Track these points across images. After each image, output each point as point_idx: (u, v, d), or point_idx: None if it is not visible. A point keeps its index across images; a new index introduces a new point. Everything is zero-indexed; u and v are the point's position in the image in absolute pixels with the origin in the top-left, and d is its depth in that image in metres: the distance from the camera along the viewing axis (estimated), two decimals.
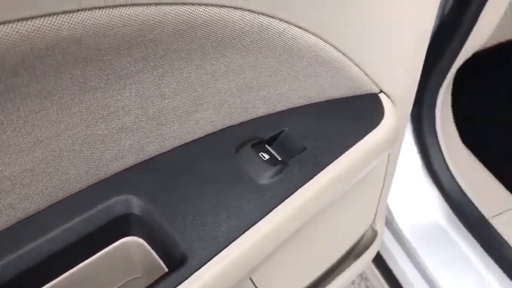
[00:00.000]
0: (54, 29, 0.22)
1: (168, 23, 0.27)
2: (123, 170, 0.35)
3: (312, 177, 0.40)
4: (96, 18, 0.23)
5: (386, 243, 0.91)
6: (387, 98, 0.48)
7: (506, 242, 0.82)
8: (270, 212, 0.37)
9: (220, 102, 0.37)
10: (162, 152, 0.37)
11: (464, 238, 0.86)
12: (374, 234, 0.71)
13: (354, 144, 0.43)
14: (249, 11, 0.31)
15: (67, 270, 0.36)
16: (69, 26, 0.23)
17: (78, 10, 0.22)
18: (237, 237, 0.35)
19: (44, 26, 0.22)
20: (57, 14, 0.22)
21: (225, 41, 0.32)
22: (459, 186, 0.86)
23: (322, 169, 0.41)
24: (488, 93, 1.11)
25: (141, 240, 0.37)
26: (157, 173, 0.36)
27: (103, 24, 0.24)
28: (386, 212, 0.86)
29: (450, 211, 0.87)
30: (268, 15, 0.32)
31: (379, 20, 0.40)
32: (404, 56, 0.47)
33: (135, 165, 0.36)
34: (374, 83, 0.46)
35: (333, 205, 0.52)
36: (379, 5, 0.37)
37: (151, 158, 0.36)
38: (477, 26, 0.74)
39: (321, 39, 0.36)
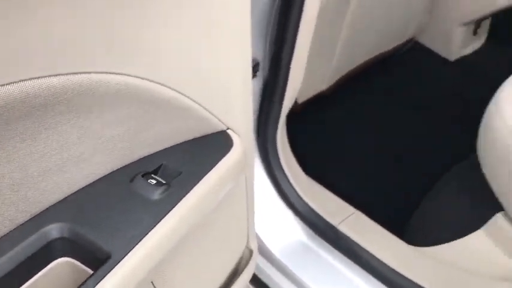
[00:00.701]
0: (5, 95, 0.36)
1: (68, 89, 0.41)
2: (49, 206, 0.46)
3: (189, 191, 0.55)
4: (26, 87, 0.37)
5: (263, 268, 1.06)
6: (233, 132, 0.66)
7: (353, 242, 1.04)
8: (162, 218, 0.51)
9: (113, 147, 0.51)
10: (76, 189, 0.49)
11: (324, 247, 1.06)
12: (250, 254, 0.86)
13: (213, 167, 0.60)
14: (118, 74, 0.46)
15: None
16: (17, 92, 0.36)
17: (19, 81, 0.36)
18: (144, 237, 0.48)
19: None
20: (6, 84, 0.35)
21: (110, 98, 0.46)
22: (309, 206, 1.06)
23: (195, 185, 0.56)
24: (310, 133, 1.38)
25: (70, 259, 0.47)
26: (75, 204, 0.48)
27: (28, 92, 0.37)
28: (257, 238, 1.02)
29: (307, 227, 1.06)
30: (132, 76, 0.47)
31: (217, 76, 0.58)
32: (236, 102, 0.66)
33: (57, 202, 0.47)
34: (222, 122, 0.64)
35: (208, 224, 0.66)
36: (212, 62, 0.55)
37: (69, 195, 0.48)
38: (289, 84, 0.99)
39: (176, 91, 0.53)
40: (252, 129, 0.72)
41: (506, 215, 0.98)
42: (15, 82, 0.36)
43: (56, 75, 0.39)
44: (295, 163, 1.14)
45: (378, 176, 1.29)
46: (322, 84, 1.32)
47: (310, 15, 0.92)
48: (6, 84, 0.35)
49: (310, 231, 1.06)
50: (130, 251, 0.46)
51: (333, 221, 1.06)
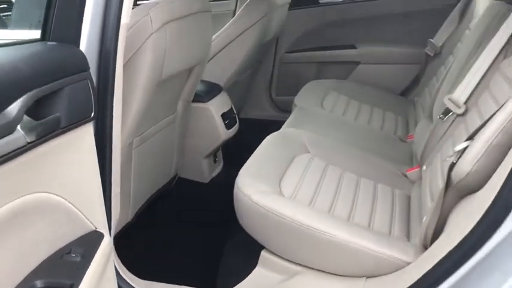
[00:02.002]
0: None
1: (21, 210, 0.85)
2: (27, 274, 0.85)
3: (92, 259, 0.98)
4: None
5: None
6: (100, 230, 1.11)
7: None
8: (88, 267, 0.93)
9: (44, 240, 0.93)
10: (36, 265, 0.88)
11: None
12: None
13: (99, 246, 1.04)
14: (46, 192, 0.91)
15: None
16: None
17: None
18: (84, 275, 0.90)
19: None
20: None
21: (38, 210, 0.90)
22: None
23: (95, 254, 1.00)
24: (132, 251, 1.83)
25: None
26: (42, 270, 0.87)
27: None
28: None
29: None
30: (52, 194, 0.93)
31: (92, 200, 1.06)
32: (100, 216, 1.12)
33: (30, 272, 0.86)
34: (93, 225, 1.09)
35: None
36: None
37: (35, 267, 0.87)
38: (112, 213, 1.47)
39: (73, 206, 0.99)
40: (108, 233, 1.18)
41: (267, 250, 1.60)
42: None
43: None
44: (128, 272, 1.57)
45: (185, 263, 1.82)
46: (127, 217, 1.82)
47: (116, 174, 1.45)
48: None
49: None
50: (81, 280, 0.88)
51: None
